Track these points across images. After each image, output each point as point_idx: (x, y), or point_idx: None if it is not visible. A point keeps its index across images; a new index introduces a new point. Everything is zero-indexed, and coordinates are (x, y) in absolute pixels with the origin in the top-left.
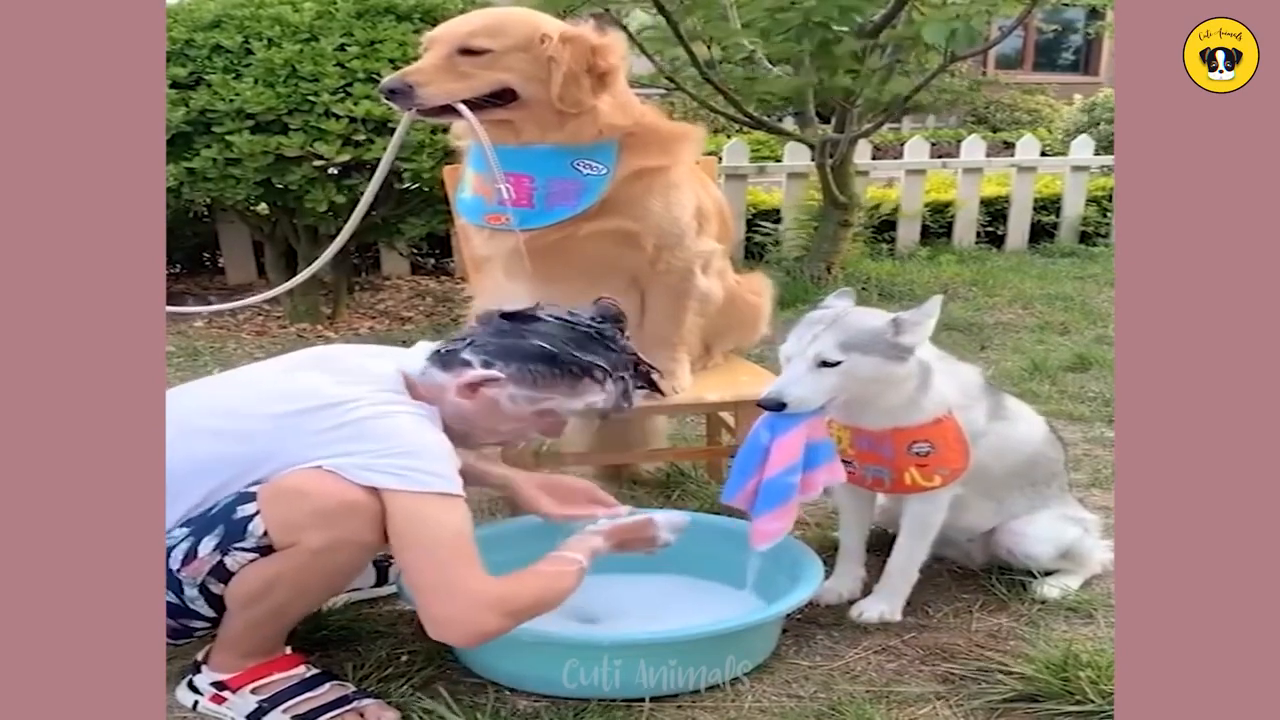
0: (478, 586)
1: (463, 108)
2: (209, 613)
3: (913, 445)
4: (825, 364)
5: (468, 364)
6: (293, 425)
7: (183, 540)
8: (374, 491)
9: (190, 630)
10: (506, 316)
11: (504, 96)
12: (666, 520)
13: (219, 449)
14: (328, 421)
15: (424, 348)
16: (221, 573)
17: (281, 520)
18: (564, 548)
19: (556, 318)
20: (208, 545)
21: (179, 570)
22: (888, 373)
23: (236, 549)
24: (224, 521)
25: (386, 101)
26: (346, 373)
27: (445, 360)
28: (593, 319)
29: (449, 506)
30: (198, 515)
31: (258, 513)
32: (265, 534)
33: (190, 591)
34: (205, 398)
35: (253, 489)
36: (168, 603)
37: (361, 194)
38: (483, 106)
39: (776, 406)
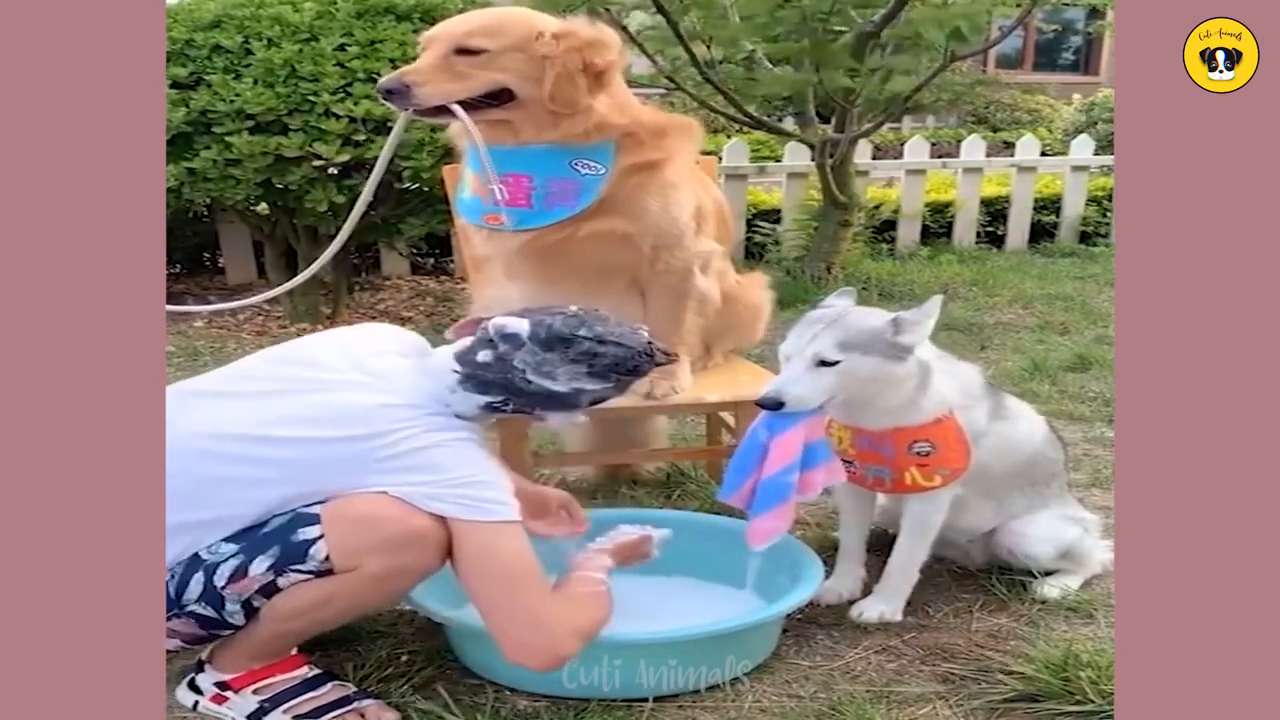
0: (556, 614)
1: (457, 108)
2: (241, 623)
3: (913, 445)
4: (824, 363)
5: (542, 418)
6: (343, 451)
7: (231, 557)
8: (439, 520)
9: (215, 638)
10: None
11: (501, 96)
12: (656, 536)
13: (259, 474)
14: (384, 449)
15: (447, 361)
16: (270, 590)
17: (346, 545)
18: (580, 568)
19: (617, 386)
20: (261, 565)
21: (224, 587)
22: (887, 372)
23: (293, 570)
24: (281, 543)
25: (384, 101)
26: (388, 391)
27: (515, 410)
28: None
29: (514, 533)
30: (246, 530)
31: (320, 536)
32: (326, 559)
33: (231, 607)
34: (233, 414)
35: (313, 509)
36: (202, 615)
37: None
38: (480, 106)
39: (774, 405)
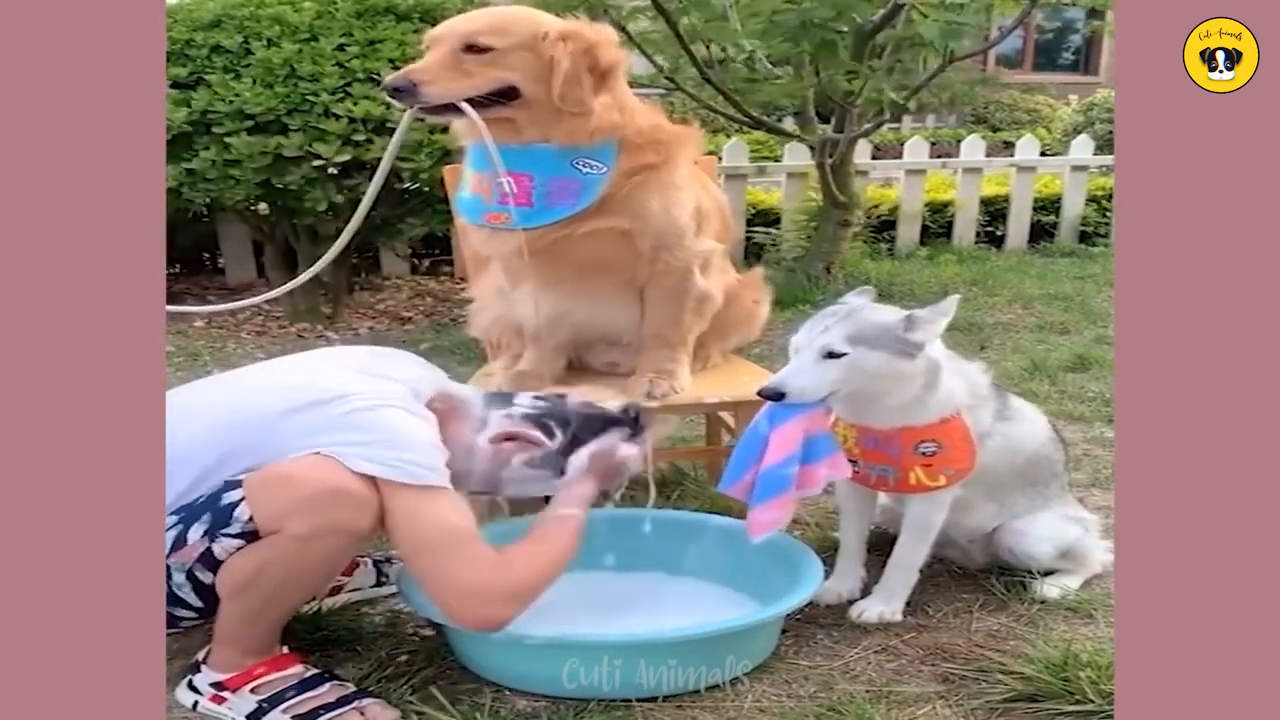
0: (481, 580)
1: (466, 106)
2: (196, 602)
3: (919, 445)
4: (831, 355)
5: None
6: (286, 419)
7: (172, 527)
8: (367, 479)
9: (176, 620)
10: None
11: (507, 95)
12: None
13: (210, 436)
14: (319, 414)
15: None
16: (209, 560)
17: (266, 507)
18: (554, 503)
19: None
20: (196, 532)
21: (168, 557)
22: (895, 369)
23: (223, 535)
24: (211, 509)
25: (390, 99)
26: (362, 371)
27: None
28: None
29: (440, 498)
30: (187, 504)
31: (243, 499)
32: (250, 520)
33: (178, 578)
34: (209, 389)
35: (239, 476)
36: None
37: (361, 194)
38: (485, 105)
39: (776, 396)
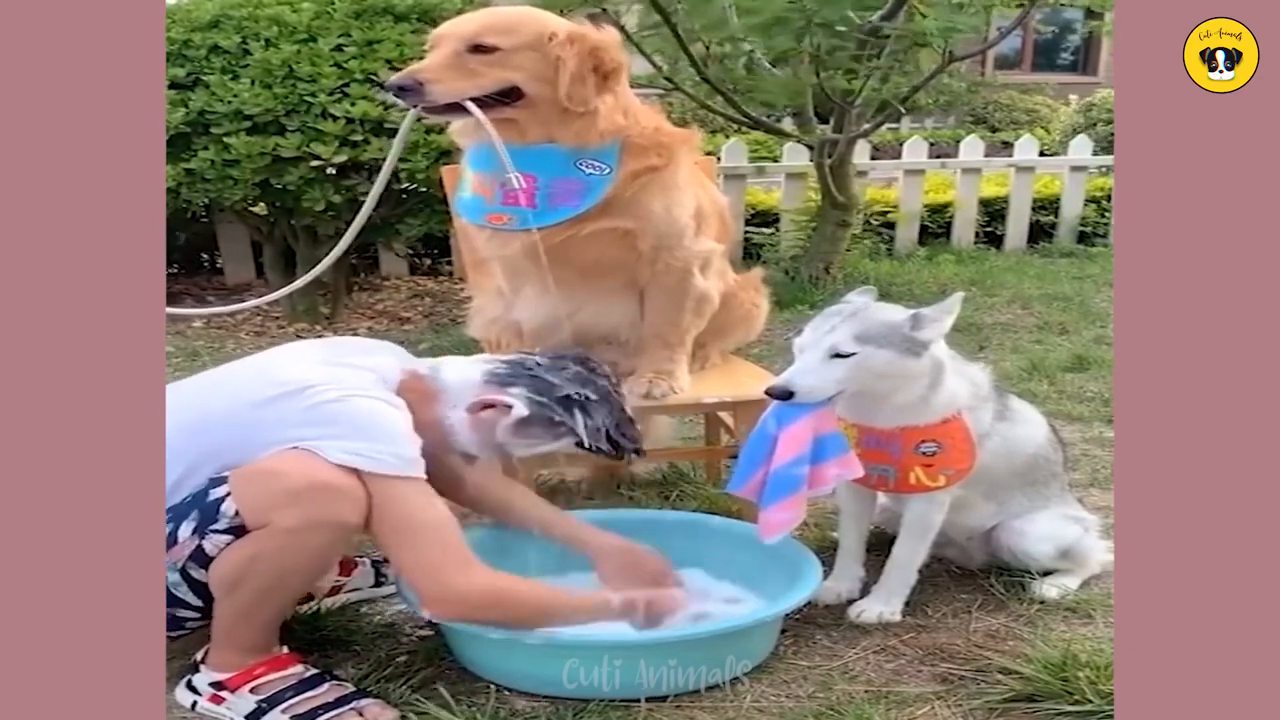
0: (451, 560)
1: (471, 105)
2: (195, 601)
3: (920, 445)
4: (838, 355)
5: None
6: (255, 415)
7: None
8: (352, 472)
9: (180, 621)
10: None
11: (511, 95)
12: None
13: (184, 437)
14: (287, 407)
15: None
16: (201, 557)
17: (252, 501)
18: (599, 590)
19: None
20: (185, 530)
21: None
22: (901, 367)
23: (212, 531)
24: (198, 506)
25: (394, 99)
26: (325, 362)
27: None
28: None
29: (415, 488)
30: (174, 504)
31: (229, 494)
32: (237, 514)
33: (173, 577)
34: (181, 390)
35: (225, 473)
36: None
37: (359, 194)
38: (489, 105)
39: (784, 395)
